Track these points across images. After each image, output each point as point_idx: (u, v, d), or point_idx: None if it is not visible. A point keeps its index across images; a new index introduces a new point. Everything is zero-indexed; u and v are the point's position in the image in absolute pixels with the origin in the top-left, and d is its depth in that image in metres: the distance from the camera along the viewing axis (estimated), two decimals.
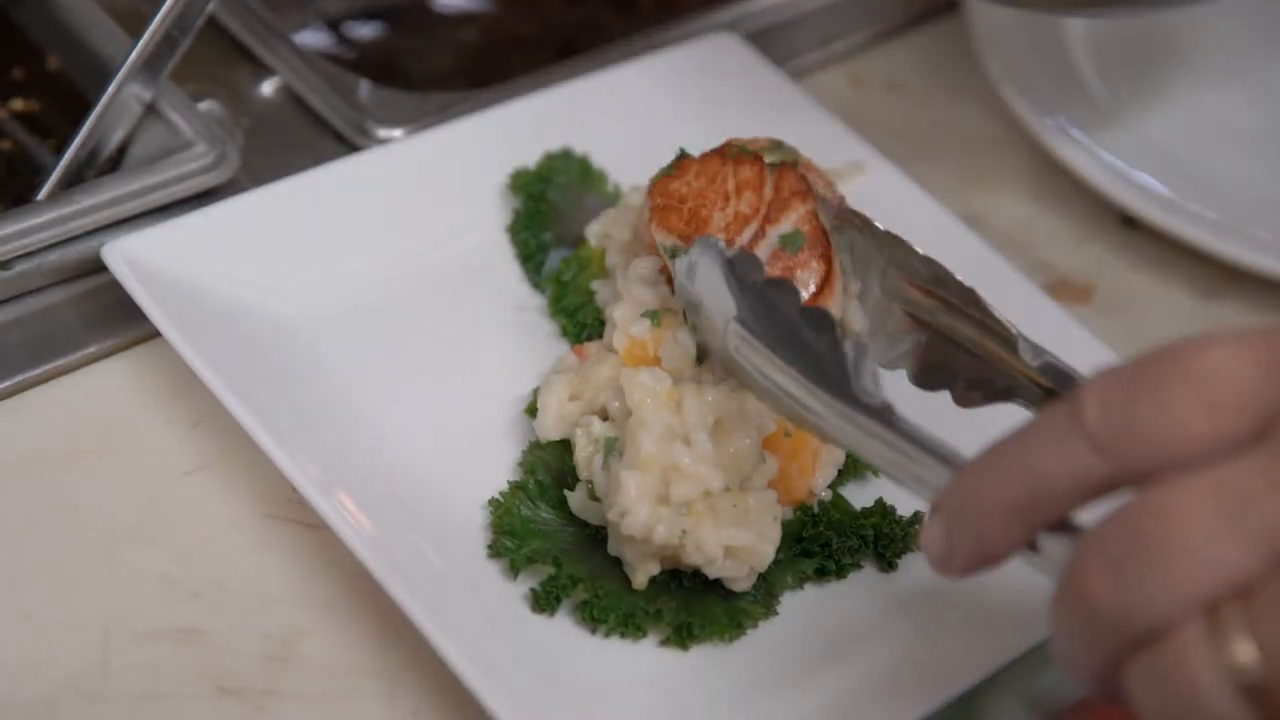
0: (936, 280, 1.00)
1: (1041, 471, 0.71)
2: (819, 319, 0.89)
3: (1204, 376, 0.68)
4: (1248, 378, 0.68)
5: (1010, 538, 0.74)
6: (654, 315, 1.03)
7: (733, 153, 1.06)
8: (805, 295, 1.01)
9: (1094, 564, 0.69)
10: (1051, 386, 0.95)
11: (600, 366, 1.01)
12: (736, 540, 0.95)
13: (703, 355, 1.00)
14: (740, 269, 0.94)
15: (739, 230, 1.03)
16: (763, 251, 1.02)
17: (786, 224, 1.03)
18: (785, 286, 0.92)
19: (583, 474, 0.99)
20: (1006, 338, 0.97)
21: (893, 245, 1.02)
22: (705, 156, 1.07)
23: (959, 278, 0.99)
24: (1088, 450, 0.70)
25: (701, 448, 0.95)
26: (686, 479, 0.94)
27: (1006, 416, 0.89)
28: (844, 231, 1.03)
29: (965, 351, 0.99)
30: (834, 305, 1.03)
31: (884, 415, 0.85)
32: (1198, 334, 0.70)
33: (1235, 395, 0.68)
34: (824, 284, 1.01)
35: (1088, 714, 1.02)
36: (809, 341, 0.89)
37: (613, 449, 0.97)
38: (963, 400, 0.99)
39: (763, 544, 0.96)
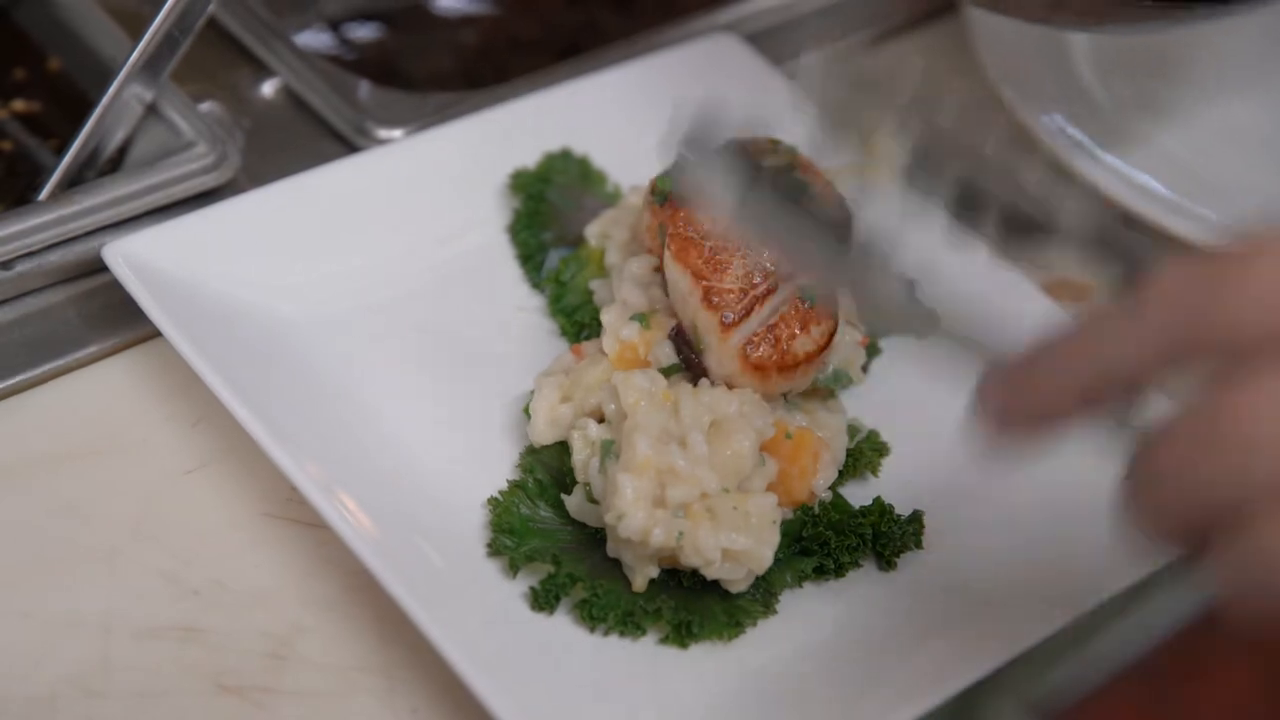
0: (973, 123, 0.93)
1: (1110, 353, 0.70)
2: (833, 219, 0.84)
3: (1275, 264, 0.67)
4: None
5: (1076, 410, 0.72)
6: (643, 318, 1.03)
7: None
8: (811, 346, 1.01)
9: (1169, 455, 0.68)
10: (1098, 230, 0.86)
11: (592, 369, 1.01)
12: (735, 544, 0.95)
13: (697, 377, 0.99)
14: (736, 156, 0.88)
15: (758, 281, 1.02)
16: (777, 299, 1.01)
17: (802, 277, 1.02)
18: (793, 179, 0.88)
19: (580, 476, 0.99)
20: (1049, 184, 0.88)
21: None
22: None
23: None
24: (1155, 335, 0.68)
25: (697, 449, 0.95)
26: (682, 481, 0.94)
27: None
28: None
29: (1009, 189, 0.89)
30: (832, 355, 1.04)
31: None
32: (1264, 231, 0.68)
33: None
34: (828, 340, 1.02)
35: (1087, 714, 1.02)
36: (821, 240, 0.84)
37: (609, 451, 0.97)
38: (1006, 240, 0.90)
39: (761, 548, 0.96)
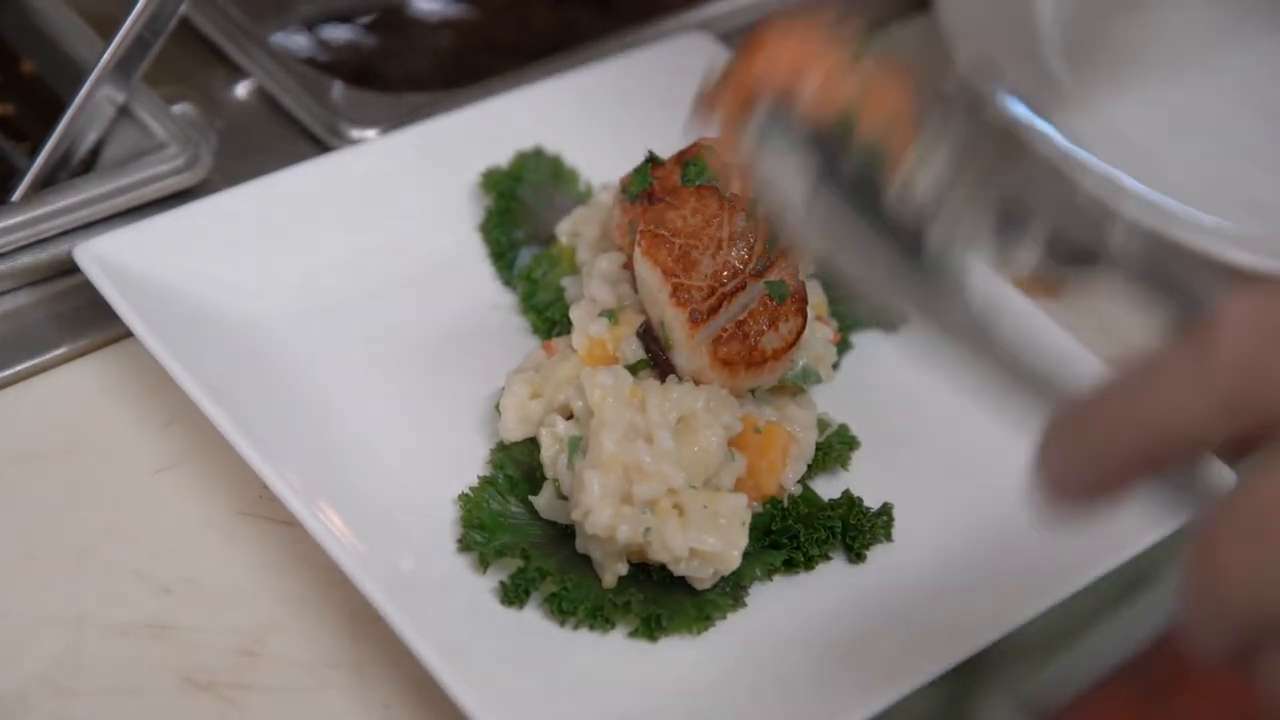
0: (1018, 142, 0.90)
1: (1172, 417, 0.64)
2: (906, 222, 0.78)
3: None
4: None
5: (1136, 475, 0.67)
6: (611, 314, 1.03)
7: (724, 194, 1.05)
8: (780, 344, 1.01)
9: (1230, 534, 0.63)
10: (1149, 258, 0.80)
11: (561, 365, 1.02)
12: (703, 544, 0.95)
13: (664, 375, 0.98)
14: (818, 151, 0.81)
15: (727, 279, 1.02)
16: (746, 296, 1.01)
17: (773, 273, 1.02)
18: (866, 175, 0.80)
19: (549, 473, 1.00)
20: (1100, 204, 0.83)
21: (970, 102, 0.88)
22: (700, 191, 1.05)
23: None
24: (1222, 399, 0.63)
25: (664, 445, 0.95)
26: (649, 478, 0.94)
27: None
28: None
29: (1056, 209, 0.83)
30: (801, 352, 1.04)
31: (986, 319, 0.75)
32: None
33: None
34: (797, 337, 1.02)
35: (1083, 713, 1.02)
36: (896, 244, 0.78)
37: (576, 448, 0.98)
38: (1055, 260, 0.84)
39: (729, 550, 0.96)
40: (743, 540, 0.97)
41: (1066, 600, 1.00)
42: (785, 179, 0.82)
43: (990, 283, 1.15)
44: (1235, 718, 0.96)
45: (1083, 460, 0.68)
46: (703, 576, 0.97)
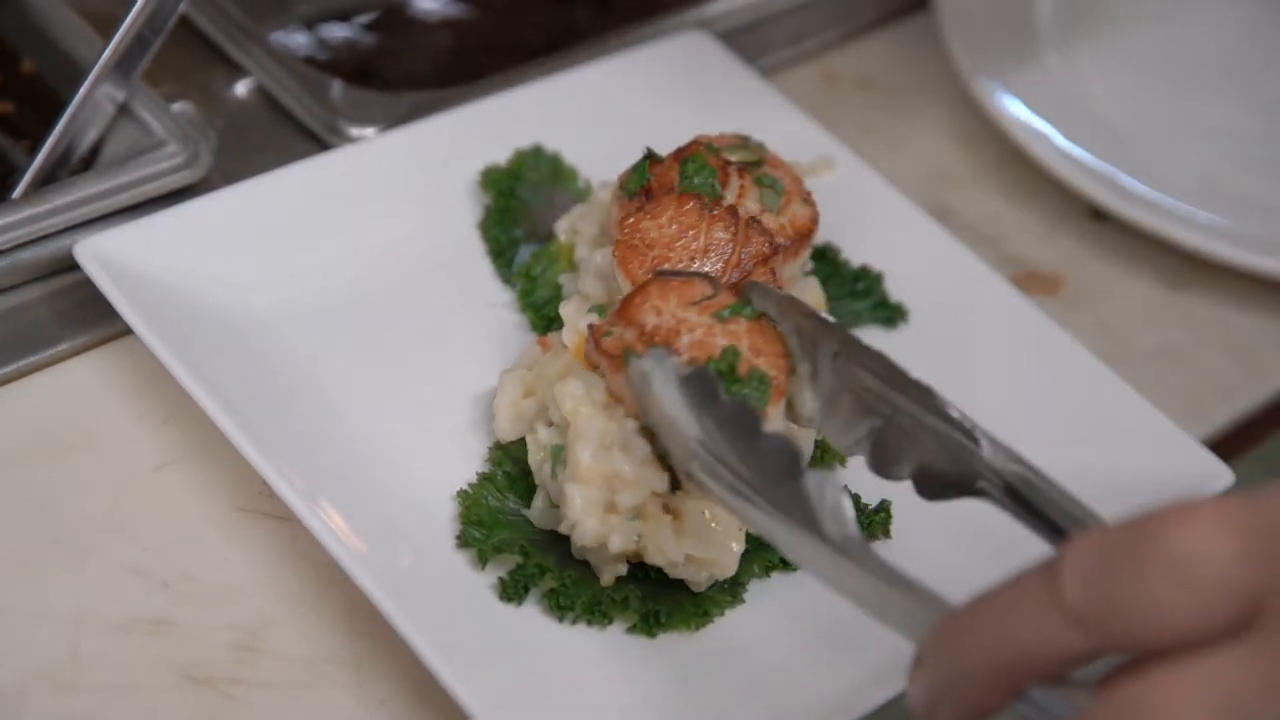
0: (889, 371, 0.94)
1: (1021, 642, 0.69)
2: (783, 449, 0.84)
3: (1183, 558, 0.66)
4: (1228, 558, 0.66)
5: (996, 696, 0.72)
6: (601, 309, 1.03)
7: (707, 203, 1.04)
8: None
9: None
10: (1015, 485, 0.89)
11: (555, 362, 1.02)
12: (698, 552, 0.96)
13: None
14: (696, 387, 0.89)
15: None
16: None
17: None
18: (745, 409, 0.87)
19: (538, 480, 1.00)
20: (966, 431, 0.91)
21: (842, 335, 0.96)
22: (683, 200, 1.04)
23: (913, 375, 0.94)
24: (1066, 626, 0.68)
25: (638, 451, 0.94)
26: (629, 486, 0.94)
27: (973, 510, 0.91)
28: (789, 317, 0.97)
29: (924, 441, 0.93)
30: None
31: (854, 556, 0.81)
32: (1178, 503, 0.68)
33: (1216, 578, 0.66)
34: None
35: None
36: (772, 472, 0.85)
37: (559, 458, 0.98)
38: (924, 492, 0.93)
39: (725, 558, 0.96)
40: (739, 546, 0.97)
41: None
42: (669, 410, 0.90)
43: (987, 281, 1.17)
44: None
45: (946, 686, 0.73)
46: (698, 580, 0.97)
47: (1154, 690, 0.66)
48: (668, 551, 0.95)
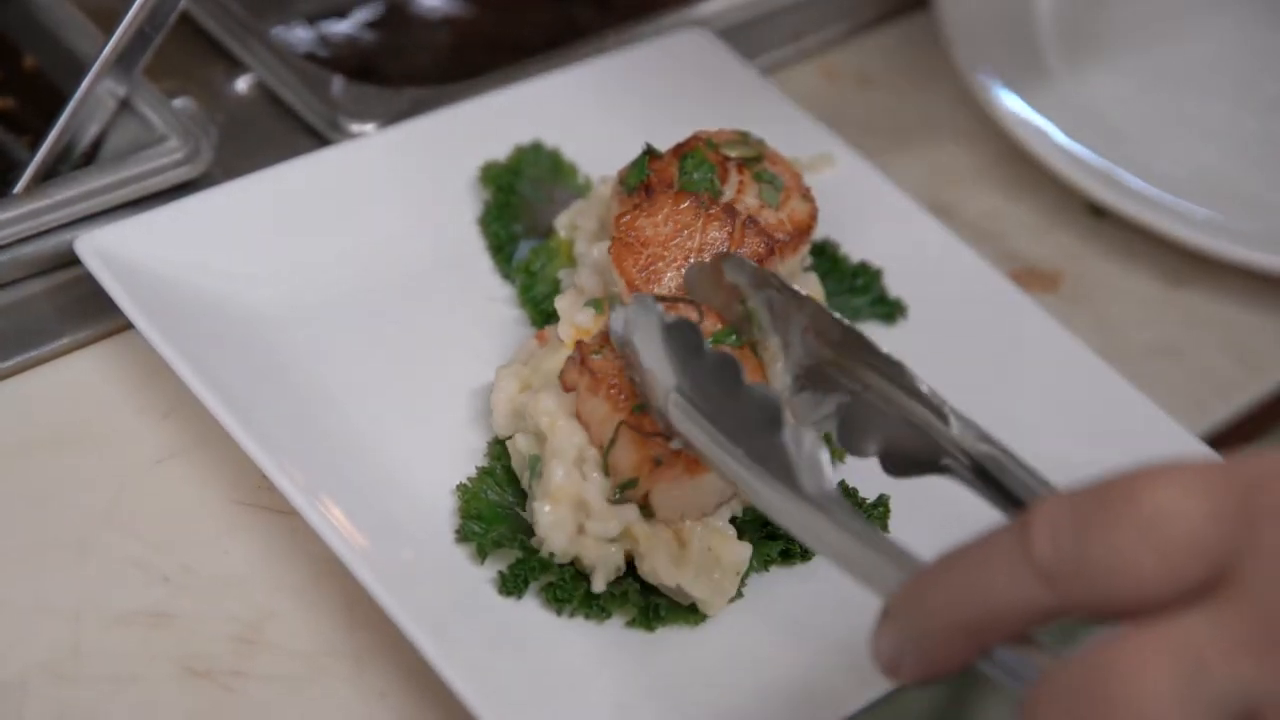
0: (860, 346, 0.94)
1: (990, 598, 0.69)
2: (763, 401, 0.84)
3: (1153, 516, 0.66)
4: (1198, 517, 0.65)
5: (961, 654, 0.72)
6: (597, 303, 1.04)
7: (704, 201, 1.04)
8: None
9: (1049, 711, 0.67)
10: (982, 464, 0.89)
11: (551, 357, 1.02)
12: (691, 587, 0.96)
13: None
14: (679, 337, 0.90)
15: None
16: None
17: None
18: (727, 360, 0.87)
19: (523, 485, 1.00)
20: (935, 408, 0.91)
21: (814, 309, 0.97)
22: (679, 199, 1.04)
23: (884, 350, 0.94)
24: (1036, 583, 0.68)
25: (604, 488, 0.96)
26: (599, 518, 0.95)
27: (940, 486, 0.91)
28: (762, 290, 0.98)
29: (892, 418, 0.93)
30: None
31: (828, 509, 0.80)
32: (1150, 464, 0.67)
33: (1185, 538, 0.65)
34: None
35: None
36: (752, 423, 0.85)
37: (535, 469, 0.98)
38: (891, 468, 0.93)
39: (715, 597, 0.96)
40: (731, 590, 0.97)
41: None
42: (651, 358, 0.90)
43: (986, 277, 1.17)
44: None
45: (912, 641, 0.73)
46: (684, 601, 0.97)
47: (1118, 651, 0.65)
48: (661, 574, 0.96)
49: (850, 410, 0.94)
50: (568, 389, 0.97)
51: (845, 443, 0.95)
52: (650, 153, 1.09)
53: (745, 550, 0.97)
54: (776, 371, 0.98)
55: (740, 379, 0.86)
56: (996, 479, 0.89)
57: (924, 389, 0.92)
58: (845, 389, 0.95)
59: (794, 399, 0.97)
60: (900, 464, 0.93)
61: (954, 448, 0.90)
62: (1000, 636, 0.71)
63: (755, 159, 1.11)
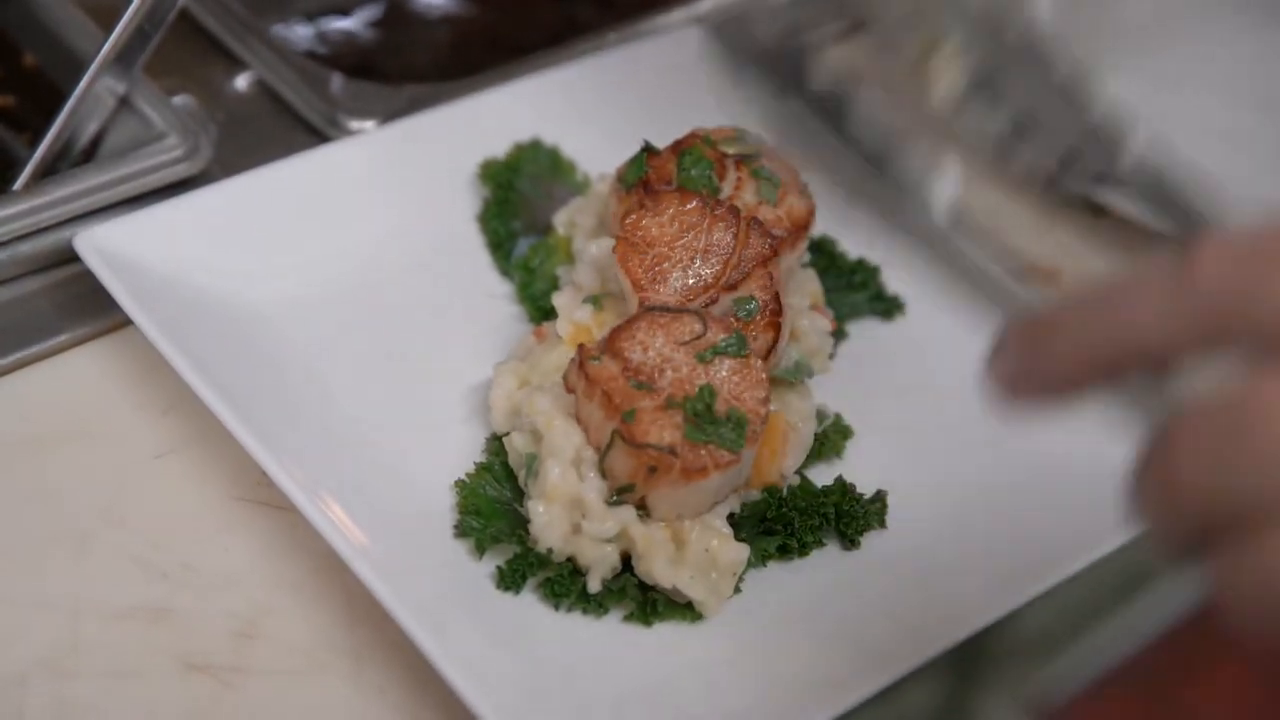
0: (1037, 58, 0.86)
1: (1140, 326, 0.65)
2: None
3: None
4: None
5: (1091, 376, 0.67)
6: (595, 300, 1.04)
7: (709, 202, 1.04)
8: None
9: (1190, 443, 0.63)
10: (1160, 180, 0.82)
11: (550, 354, 1.02)
12: (688, 588, 0.96)
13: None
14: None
15: (696, 294, 1.01)
16: (716, 311, 1.01)
17: (744, 289, 1.02)
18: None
19: (520, 482, 1.01)
20: (1115, 123, 0.84)
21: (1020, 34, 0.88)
22: (685, 198, 1.04)
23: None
24: (1194, 308, 0.64)
25: (602, 489, 0.96)
26: (596, 518, 0.95)
27: None
28: None
29: (1069, 130, 0.84)
30: (775, 366, 1.03)
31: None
32: None
33: None
34: (769, 351, 1.01)
35: (1084, 712, 1.02)
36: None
37: (531, 468, 0.98)
38: (1062, 184, 0.87)
39: (711, 599, 0.97)
40: (728, 592, 0.97)
41: (1062, 594, 1.01)
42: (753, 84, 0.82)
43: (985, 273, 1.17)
44: (1240, 716, 0.96)
45: (1041, 359, 0.68)
46: (680, 600, 0.98)
47: (1269, 385, 0.62)
48: (658, 576, 0.96)
49: (1027, 114, 0.85)
50: (569, 391, 0.98)
51: (1014, 147, 0.86)
52: (648, 150, 1.09)
53: (743, 551, 0.97)
54: (950, 71, 0.93)
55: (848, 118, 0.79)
56: (1171, 199, 0.82)
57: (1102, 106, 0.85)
58: (1024, 91, 0.86)
59: (960, 110, 0.87)
60: (1076, 177, 0.86)
61: (1132, 160, 0.83)
62: (1138, 359, 0.66)
63: (753, 156, 1.11)
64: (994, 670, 0.99)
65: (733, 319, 1.01)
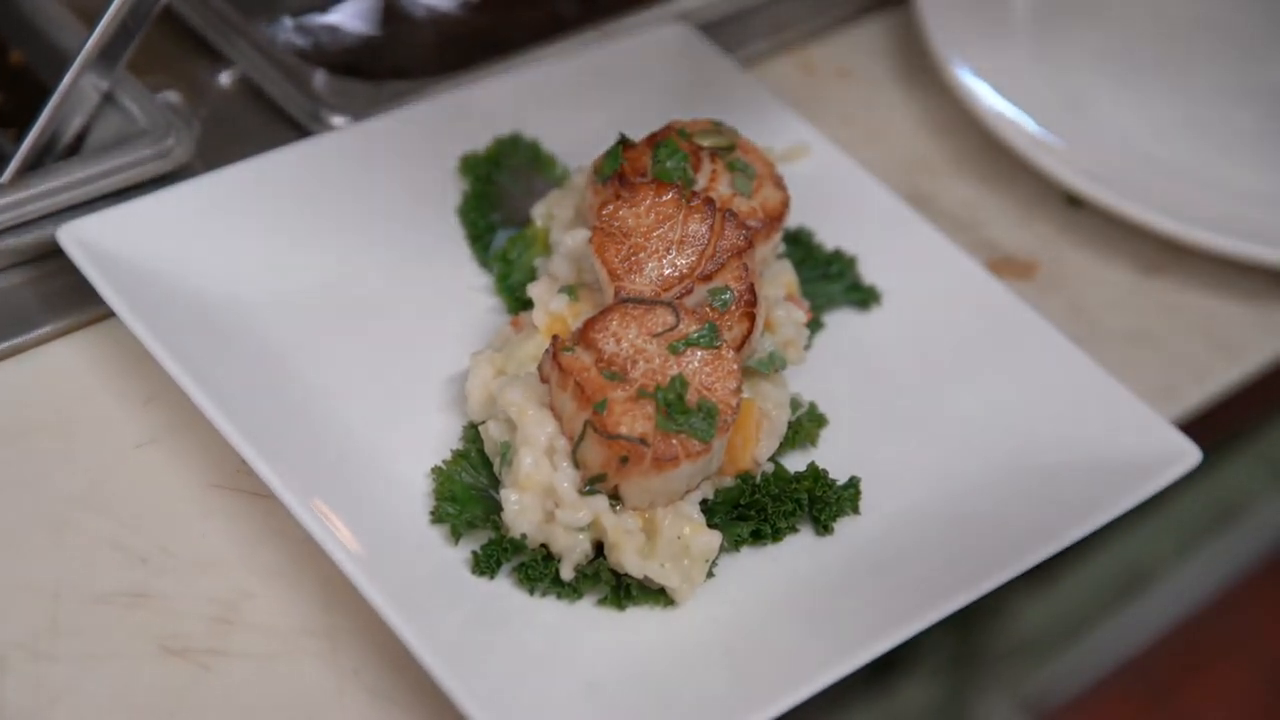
0: None
1: None
2: None
3: None
4: None
5: None
6: (571, 290, 1.05)
7: (685, 194, 1.05)
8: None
9: None
10: None
11: (526, 343, 1.03)
12: (659, 576, 0.97)
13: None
14: None
15: (672, 284, 1.02)
16: (691, 302, 1.02)
17: (719, 280, 1.02)
18: None
19: (495, 470, 1.02)
20: None
21: None
22: (661, 189, 1.05)
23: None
24: None
25: (575, 479, 0.97)
26: (568, 508, 0.97)
27: None
28: None
29: None
30: (750, 357, 1.04)
31: None
32: None
33: None
34: (744, 342, 1.02)
35: (1083, 712, 1.03)
36: None
37: (505, 457, 1.00)
38: None
39: (684, 586, 0.98)
40: (700, 579, 0.98)
41: (1062, 594, 1.01)
42: None
43: (960, 264, 1.18)
44: (1240, 717, 0.96)
45: None
46: (653, 587, 0.99)
47: None
48: (628, 566, 0.97)
49: None
50: (543, 381, 0.99)
51: None
52: (624, 142, 1.11)
53: (715, 538, 0.98)
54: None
55: None
56: None
57: None
58: None
59: None
60: None
61: None
62: None
63: (728, 148, 1.12)
64: (994, 670, 0.99)
65: (708, 309, 1.02)
